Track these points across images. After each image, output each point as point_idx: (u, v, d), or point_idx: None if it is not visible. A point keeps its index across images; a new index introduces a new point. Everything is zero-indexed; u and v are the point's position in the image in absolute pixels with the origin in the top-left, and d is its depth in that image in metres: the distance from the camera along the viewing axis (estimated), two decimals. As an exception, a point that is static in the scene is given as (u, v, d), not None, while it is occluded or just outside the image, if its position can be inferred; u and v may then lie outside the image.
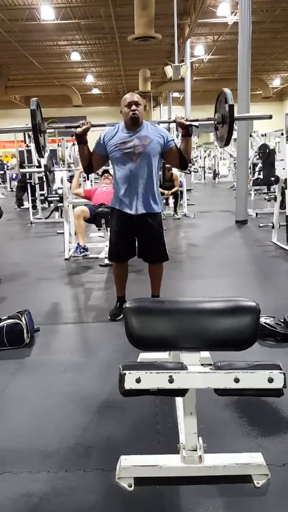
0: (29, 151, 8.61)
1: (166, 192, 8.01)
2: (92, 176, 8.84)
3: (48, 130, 3.02)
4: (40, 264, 5.03)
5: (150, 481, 1.56)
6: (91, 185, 7.51)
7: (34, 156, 8.43)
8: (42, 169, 7.00)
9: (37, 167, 8.23)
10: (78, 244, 4.92)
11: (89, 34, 14.77)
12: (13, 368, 2.51)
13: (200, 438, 1.58)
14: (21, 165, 8.98)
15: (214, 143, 19.85)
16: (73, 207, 5.51)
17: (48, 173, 6.80)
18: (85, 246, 4.91)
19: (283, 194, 5.50)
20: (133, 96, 2.88)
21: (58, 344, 2.89)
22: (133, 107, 2.82)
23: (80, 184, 6.24)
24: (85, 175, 6.95)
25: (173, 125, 9.32)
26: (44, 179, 7.36)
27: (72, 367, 2.52)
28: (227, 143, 2.86)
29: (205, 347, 1.76)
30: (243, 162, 7.48)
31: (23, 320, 2.80)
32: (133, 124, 2.86)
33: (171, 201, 8.57)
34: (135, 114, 2.82)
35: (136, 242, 3.08)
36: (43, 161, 6.96)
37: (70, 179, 5.74)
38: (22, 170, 8.32)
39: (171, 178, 8.06)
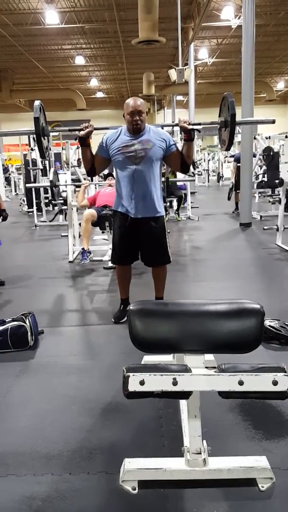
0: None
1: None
2: (95, 179, 8.88)
3: (52, 134, 3.05)
4: (44, 267, 5.04)
5: (154, 484, 1.56)
6: (95, 188, 7.52)
7: (38, 159, 8.49)
8: (48, 184, 7.29)
9: (42, 173, 8.47)
10: (83, 249, 4.81)
11: (94, 38, 14.83)
12: (17, 371, 2.51)
13: (204, 441, 1.57)
14: (26, 167, 9.08)
15: (218, 146, 19.87)
16: (77, 210, 5.53)
17: (53, 188, 7.03)
18: (88, 249, 4.90)
19: (287, 197, 5.49)
20: (136, 102, 2.81)
21: (62, 347, 2.89)
22: (136, 117, 2.80)
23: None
24: (89, 178, 6.97)
25: (176, 128, 9.31)
26: (50, 193, 7.67)
27: (76, 369, 2.52)
28: (228, 149, 2.90)
29: (209, 349, 1.75)
30: (247, 165, 7.47)
31: (27, 322, 2.81)
32: (136, 132, 2.86)
33: (175, 204, 8.54)
34: (137, 125, 2.81)
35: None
36: (50, 177, 7.34)
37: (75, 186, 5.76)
38: (28, 185, 8.31)
39: None
